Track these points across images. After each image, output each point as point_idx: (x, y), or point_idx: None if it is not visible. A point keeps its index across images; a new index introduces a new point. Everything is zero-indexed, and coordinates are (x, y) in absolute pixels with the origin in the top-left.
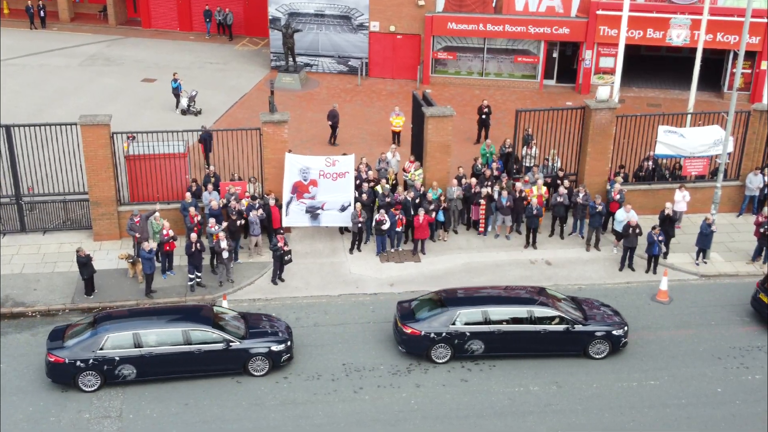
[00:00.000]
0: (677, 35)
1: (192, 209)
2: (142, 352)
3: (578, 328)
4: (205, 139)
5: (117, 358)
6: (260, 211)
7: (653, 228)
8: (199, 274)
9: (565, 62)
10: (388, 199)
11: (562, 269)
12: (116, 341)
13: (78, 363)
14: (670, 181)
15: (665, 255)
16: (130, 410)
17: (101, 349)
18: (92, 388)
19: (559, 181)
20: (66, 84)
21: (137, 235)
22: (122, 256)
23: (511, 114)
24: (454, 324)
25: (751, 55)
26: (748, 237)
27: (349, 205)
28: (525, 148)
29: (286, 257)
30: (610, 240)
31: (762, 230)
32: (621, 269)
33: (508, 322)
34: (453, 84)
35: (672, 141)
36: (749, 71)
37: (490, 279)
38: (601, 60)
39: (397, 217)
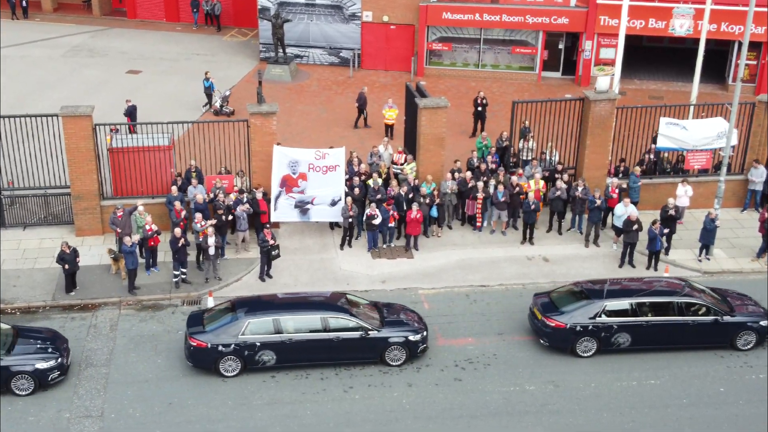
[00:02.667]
0: (680, 25)
1: (177, 203)
2: (282, 338)
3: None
4: (131, 113)
5: (258, 344)
6: (247, 205)
7: (653, 223)
8: (184, 271)
9: (565, 54)
10: (379, 196)
11: (560, 266)
12: (257, 327)
13: (220, 348)
14: (672, 175)
15: (667, 251)
16: (112, 409)
17: (242, 334)
18: (233, 374)
19: (557, 175)
20: (48, 76)
21: (119, 230)
22: (109, 251)
23: (507, 106)
24: (599, 317)
25: (756, 46)
26: (752, 233)
27: (340, 199)
28: (522, 141)
29: (273, 252)
30: (609, 236)
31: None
32: (621, 266)
33: (652, 314)
34: (448, 76)
35: (674, 133)
36: (754, 62)
37: (486, 276)
38: (602, 51)
39: (390, 212)
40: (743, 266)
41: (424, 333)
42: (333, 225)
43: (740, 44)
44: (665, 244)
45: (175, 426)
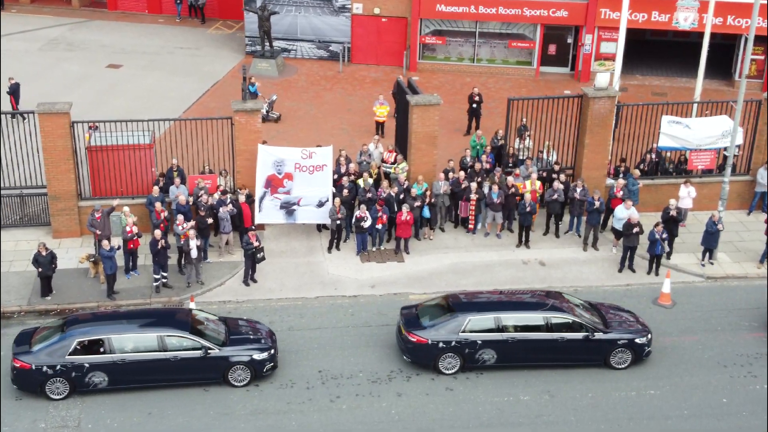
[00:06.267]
0: (684, 18)
1: (158, 204)
2: (504, 336)
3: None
4: (15, 91)
5: (479, 342)
6: (230, 206)
7: (655, 225)
8: (165, 274)
9: (565, 48)
10: (369, 195)
11: (557, 270)
12: (478, 324)
13: (440, 344)
14: (674, 176)
15: (668, 255)
16: (90, 420)
17: (463, 331)
18: (452, 371)
19: (554, 176)
20: (25, 70)
21: (98, 231)
22: (83, 259)
23: (504, 103)
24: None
25: (764, 41)
26: (758, 236)
27: (327, 200)
28: (519, 140)
29: (258, 255)
30: (608, 239)
31: None
32: (620, 270)
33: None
34: (442, 71)
35: (677, 132)
36: (762, 57)
37: (479, 280)
38: (602, 45)
39: (379, 214)
40: (748, 271)
41: (649, 336)
42: (320, 227)
43: (746, 39)
44: (667, 249)
45: None
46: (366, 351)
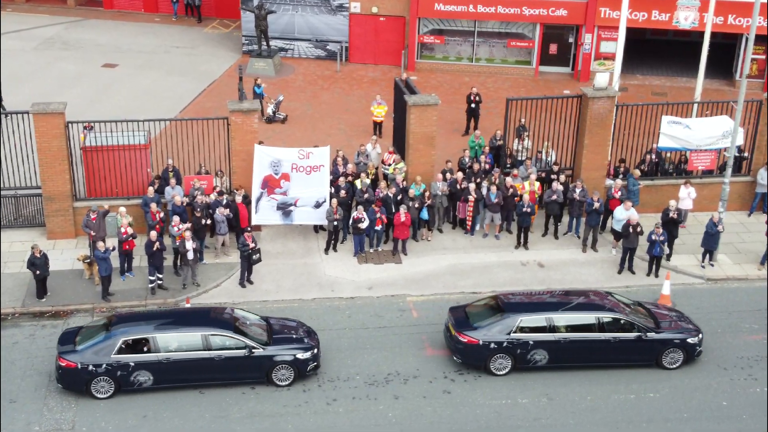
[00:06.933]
0: (685, 17)
1: (153, 205)
2: (556, 337)
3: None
4: None
5: (531, 342)
6: (227, 210)
7: (656, 227)
8: (160, 276)
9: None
10: (366, 195)
11: (556, 272)
12: (529, 325)
13: (491, 345)
14: (674, 177)
15: (668, 257)
16: (84, 423)
17: (514, 332)
18: (503, 372)
19: (553, 176)
20: (20, 69)
21: (92, 233)
22: (80, 258)
23: (502, 103)
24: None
25: (764, 40)
26: (759, 237)
27: (325, 201)
28: (517, 140)
29: (254, 257)
30: (608, 240)
31: None
32: (620, 272)
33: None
34: (440, 70)
35: (677, 133)
36: (762, 57)
37: (477, 282)
38: (602, 44)
39: (378, 215)
40: (749, 273)
41: (700, 335)
42: (317, 228)
43: (747, 38)
44: (666, 250)
45: None
46: (363, 353)
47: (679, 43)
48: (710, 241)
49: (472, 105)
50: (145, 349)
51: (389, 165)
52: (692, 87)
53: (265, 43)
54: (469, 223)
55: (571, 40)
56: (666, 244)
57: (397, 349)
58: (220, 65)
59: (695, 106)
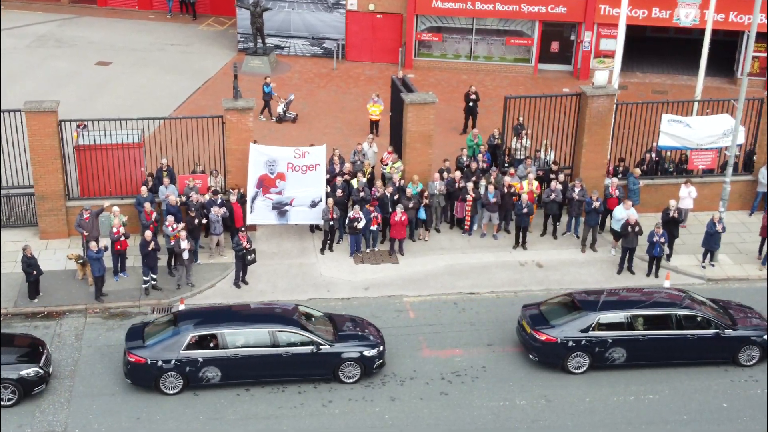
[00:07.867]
0: (686, 15)
1: (147, 205)
2: (633, 335)
3: None
4: None
5: (609, 341)
6: (222, 209)
7: (656, 226)
8: (154, 276)
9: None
10: (362, 194)
11: (555, 272)
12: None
13: (570, 344)
14: (674, 176)
15: (668, 257)
16: (76, 424)
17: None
18: (580, 370)
19: (552, 176)
20: (12, 67)
21: (86, 233)
22: (71, 256)
23: (501, 101)
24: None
25: (766, 37)
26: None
27: (320, 200)
28: (516, 139)
29: (249, 257)
30: (607, 240)
31: None
32: (619, 272)
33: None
34: (438, 68)
35: (677, 131)
36: (764, 55)
37: (475, 282)
38: (602, 42)
39: (373, 214)
40: (750, 273)
41: None
42: (313, 228)
43: (749, 36)
44: (666, 250)
45: None
46: None
47: (680, 40)
48: (711, 241)
49: (470, 103)
50: (213, 345)
51: (388, 164)
52: (693, 85)
53: (260, 40)
54: (467, 222)
55: (572, 37)
56: (666, 244)
57: (393, 350)
58: (215, 63)
59: (696, 104)
